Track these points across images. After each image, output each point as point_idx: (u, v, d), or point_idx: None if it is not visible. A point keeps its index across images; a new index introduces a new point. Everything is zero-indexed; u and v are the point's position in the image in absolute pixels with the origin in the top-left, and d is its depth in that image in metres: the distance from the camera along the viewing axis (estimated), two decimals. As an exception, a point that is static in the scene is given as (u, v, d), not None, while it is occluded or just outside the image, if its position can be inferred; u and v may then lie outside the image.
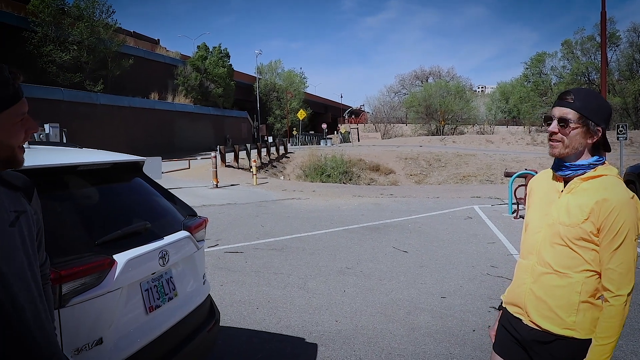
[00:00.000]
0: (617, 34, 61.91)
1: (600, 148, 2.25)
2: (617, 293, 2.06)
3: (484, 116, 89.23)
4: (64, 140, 23.55)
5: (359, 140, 65.86)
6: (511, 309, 2.40)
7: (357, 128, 76.02)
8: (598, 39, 54.08)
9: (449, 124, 75.48)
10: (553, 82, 67.02)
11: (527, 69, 71.34)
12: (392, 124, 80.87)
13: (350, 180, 32.74)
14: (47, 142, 4.05)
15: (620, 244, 2.06)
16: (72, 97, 31.89)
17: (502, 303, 2.57)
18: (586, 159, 2.20)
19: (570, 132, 2.17)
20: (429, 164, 38.14)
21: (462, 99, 77.49)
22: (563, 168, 2.24)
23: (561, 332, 2.17)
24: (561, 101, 2.21)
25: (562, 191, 2.25)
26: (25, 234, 1.60)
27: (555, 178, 2.32)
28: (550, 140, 2.25)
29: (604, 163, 2.22)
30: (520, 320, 2.32)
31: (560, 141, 2.20)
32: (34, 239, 1.67)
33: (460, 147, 46.51)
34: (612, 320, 2.06)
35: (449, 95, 76.60)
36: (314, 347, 4.89)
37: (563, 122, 2.18)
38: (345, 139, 66.44)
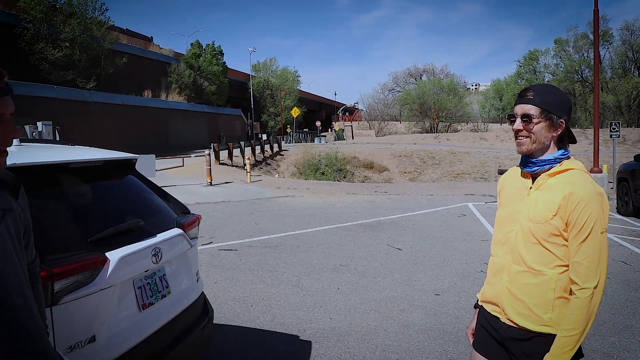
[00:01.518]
0: (610, 32, 61.99)
1: (565, 141, 2.28)
2: (583, 286, 2.07)
3: (478, 114, 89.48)
4: (57, 138, 23.47)
5: (353, 138, 65.94)
6: (488, 307, 2.42)
7: (351, 126, 76.12)
8: (591, 36, 54.20)
9: (442, 121, 75.71)
10: (546, 79, 67.07)
11: (521, 66, 71.44)
12: (386, 122, 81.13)
13: (344, 177, 32.77)
14: (40, 140, 4.03)
15: (587, 237, 2.08)
16: (64, 94, 31.75)
17: (477, 301, 2.59)
18: (552, 153, 2.24)
19: (534, 127, 2.20)
20: (423, 162, 38.20)
21: (456, 96, 77.71)
22: (530, 164, 2.27)
23: (538, 329, 2.19)
24: (521, 98, 2.26)
25: (530, 188, 2.28)
26: (12, 232, 1.58)
27: (523, 175, 2.34)
28: (517, 138, 2.27)
29: (569, 157, 2.25)
30: (498, 318, 2.34)
31: (527, 137, 2.23)
32: (21, 237, 1.65)
33: (454, 144, 46.61)
34: (577, 312, 2.07)
35: (442, 93, 76.80)
36: (308, 344, 4.89)
37: (526, 118, 2.21)
38: (339, 136, 66.51)
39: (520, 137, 2.25)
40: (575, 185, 2.12)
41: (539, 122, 2.19)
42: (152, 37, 59.64)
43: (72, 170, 2.87)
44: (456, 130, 73.31)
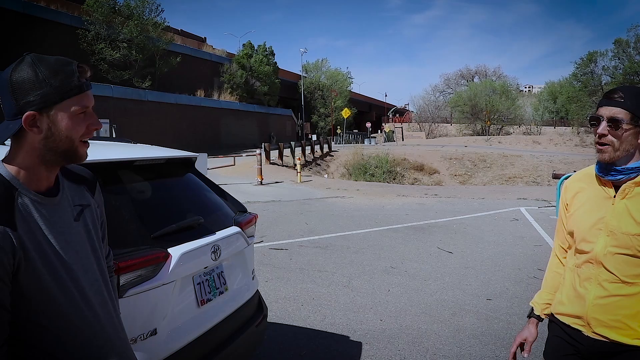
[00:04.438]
0: (673, 31, 59.62)
1: None
2: None
3: (531, 116, 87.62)
4: (114, 136, 24.12)
5: (403, 140, 65.54)
6: (567, 320, 2.24)
7: (402, 127, 75.65)
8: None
9: (494, 124, 74.49)
10: (604, 81, 65.02)
11: (577, 68, 69.33)
12: (436, 124, 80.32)
13: (394, 179, 32.66)
14: (99, 137, 4.16)
15: None
16: (121, 93, 32.60)
17: (532, 310, 2.48)
18: (638, 161, 2.03)
19: (622, 133, 1.97)
20: (473, 165, 37.70)
21: (508, 98, 76.27)
22: (613, 172, 2.06)
23: (632, 342, 2.03)
24: (609, 100, 2.01)
25: (614, 197, 2.08)
26: (90, 228, 1.64)
27: (600, 182, 2.15)
28: (598, 143, 2.04)
29: None
30: (580, 331, 2.17)
31: (609, 144, 2.00)
32: (99, 233, 1.71)
33: (506, 147, 45.82)
34: None
35: (494, 95, 75.49)
36: (358, 345, 4.91)
37: (614, 122, 1.98)
38: (389, 138, 66.16)
39: (602, 143, 2.02)
40: None
41: (629, 129, 1.97)
42: (205, 38, 60.54)
43: (136, 167, 2.96)
44: (508, 133, 71.99)
